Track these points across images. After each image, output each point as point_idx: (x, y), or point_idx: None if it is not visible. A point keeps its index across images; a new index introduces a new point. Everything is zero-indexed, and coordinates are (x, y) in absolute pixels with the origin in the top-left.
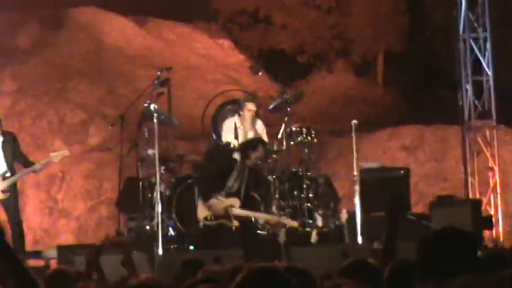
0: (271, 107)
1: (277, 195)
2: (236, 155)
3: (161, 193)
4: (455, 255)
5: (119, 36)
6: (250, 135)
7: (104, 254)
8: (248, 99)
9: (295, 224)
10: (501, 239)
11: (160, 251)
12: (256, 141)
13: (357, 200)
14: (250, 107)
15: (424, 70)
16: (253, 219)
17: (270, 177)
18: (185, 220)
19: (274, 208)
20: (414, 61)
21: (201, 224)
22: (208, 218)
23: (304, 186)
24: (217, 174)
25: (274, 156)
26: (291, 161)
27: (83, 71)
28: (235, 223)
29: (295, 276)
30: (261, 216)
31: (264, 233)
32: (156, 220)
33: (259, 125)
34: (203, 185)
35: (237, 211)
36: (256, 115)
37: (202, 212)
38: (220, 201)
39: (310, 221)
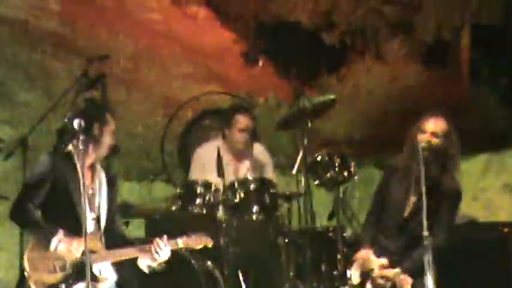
0: (279, 121)
1: (291, 271)
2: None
3: None
4: None
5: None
6: (244, 169)
7: None
8: (237, 107)
9: None
10: None
11: None
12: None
13: (428, 280)
14: (242, 121)
15: None
16: None
17: (279, 240)
18: None
19: None
20: None
21: None
22: None
23: (338, 256)
24: None
25: (287, 205)
26: (315, 212)
27: None
28: None
29: None
30: None
31: None
32: None
33: (260, 153)
34: None
35: None
36: (254, 135)
37: None
38: None
39: None
